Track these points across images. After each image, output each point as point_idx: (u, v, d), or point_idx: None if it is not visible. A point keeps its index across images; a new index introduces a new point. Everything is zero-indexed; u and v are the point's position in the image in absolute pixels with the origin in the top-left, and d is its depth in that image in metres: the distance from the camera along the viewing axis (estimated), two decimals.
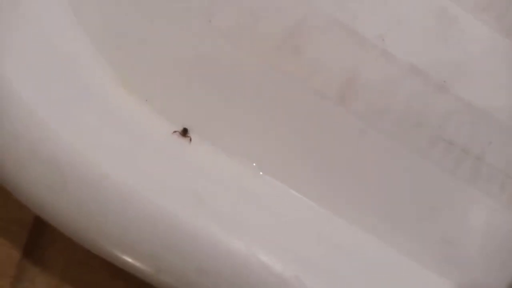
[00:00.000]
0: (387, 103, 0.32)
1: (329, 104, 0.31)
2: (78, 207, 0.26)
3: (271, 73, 0.31)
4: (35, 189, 0.26)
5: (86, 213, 0.26)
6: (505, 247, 0.32)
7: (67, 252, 0.33)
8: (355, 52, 0.31)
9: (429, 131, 0.32)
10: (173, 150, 0.30)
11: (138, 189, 0.27)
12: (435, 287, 0.31)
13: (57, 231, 0.33)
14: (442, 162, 0.32)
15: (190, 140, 0.30)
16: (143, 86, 0.30)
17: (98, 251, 0.27)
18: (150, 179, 0.28)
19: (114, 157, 0.27)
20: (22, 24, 0.28)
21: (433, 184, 0.32)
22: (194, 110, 0.31)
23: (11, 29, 0.28)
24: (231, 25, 0.31)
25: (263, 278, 0.27)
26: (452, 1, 0.33)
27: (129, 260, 0.27)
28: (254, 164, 0.31)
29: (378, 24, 0.32)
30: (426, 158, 0.32)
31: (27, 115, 0.26)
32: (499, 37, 0.32)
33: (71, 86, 0.29)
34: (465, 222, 0.32)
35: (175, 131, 0.30)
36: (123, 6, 0.31)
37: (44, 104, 0.27)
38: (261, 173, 0.31)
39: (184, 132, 0.30)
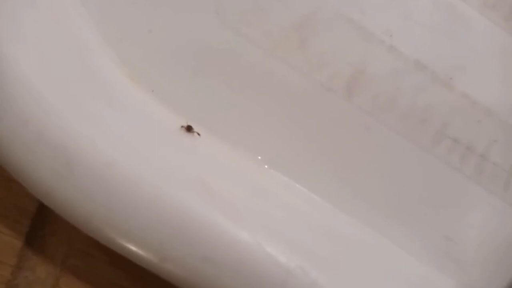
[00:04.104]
0: (393, 98, 0.32)
1: (335, 98, 0.31)
2: (83, 194, 0.26)
3: (278, 66, 0.31)
4: (40, 175, 0.26)
5: (92, 200, 0.26)
6: (507, 246, 0.32)
7: (68, 242, 0.33)
8: (362, 46, 0.32)
9: (434, 128, 0.32)
10: (179, 141, 0.30)
11: (144, 177, 0.27)
12: (434, 283, 0.31)
13: (59, 221, 0.33)
14: (446, 159, 0.32)
15: (199, 134, 0.30)
16: (149, 77, 0.30)
17: (102, 239, 0.27)
18: (156, 168, 0.27)
19: (121, 145, 0.27)
20: (32, 13, 0.28)
21: (436, 180, 0.32)
22: (200, 102, 0.31)
23: (22, 16, 0.28)
24: (238, 17, 0.31)
25: (268, 268, 0.27)
26: None
27: (134, 248, 0.27)
28: (259, 158, 0.31)
29: (385, 19, 0.32)
30: (431, 154, 0.32)
31: (36, 100, 0.26)
32: (506, 36, 0.33)
33: (79, 74, 0.29)
34: (467, 219, 0.32)
35: (182, 126, 0.30)
36: None
37: (52, 90, 0.27)
38: (266, 166, 0.31)
39: (189, 129, 0.30)
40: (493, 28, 0.33)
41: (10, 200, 0.33)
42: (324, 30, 0.31)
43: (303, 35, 0.31)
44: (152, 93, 0.30)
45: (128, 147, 0.27)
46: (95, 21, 0.30)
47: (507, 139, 0.32)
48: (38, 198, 0.28)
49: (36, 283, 0.33)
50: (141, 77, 0.30)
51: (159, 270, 0.27)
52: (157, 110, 0.30)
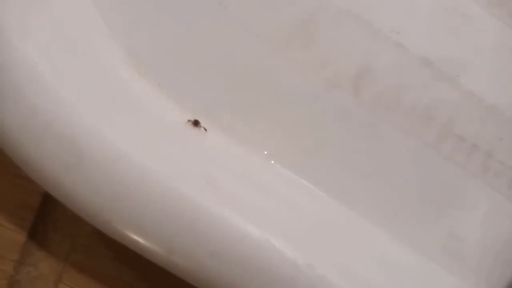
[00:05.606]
0: (399, 95, 0.32)
1: (341, 94, 0.31)
2: (92, 186, 0.26)
3: (284, 63, 0.31)
4: (49, 167, 0.26)
5: (100, 192, 0.26)
6: (511, 244, 0.33)
7: (71, 237, 0.33)
8: (369, 43, 0.32)
9: (439, 126, 0.32)
10: (186, 135, 0.30)
11: (153, 170, 0.27)
12: (438, 280, 0.32)
13: (63, 217, 0.33)
14: (452, 157, 0.32)
15: (205, 130, 0.30)
16: (156, 71, 0.30)
17: (109, 232, 0.27)
18: (164, 162, 0.27)
19: (130, 139, 0.27)
20: (42, 7, 0.28)
21: (441, 178, 0.32)
22: (207, 97, 0.31)
23: (32, 10, 0.28)
24: (244, 12, 0.31)
25: (276, 264, 0.27)
26: None
27: (142, 241, 0.27)
28: (266, 153, 0.31)
29: (392, 17, 0.32)
30: (436, 152, 0.32)
31: (44, 92, 0.26)
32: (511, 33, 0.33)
33: (87, 67, 0.29)
34: (472, 217, 0.32)
35: (189, 120, 0.30)
36: None
37: (60, 83, 0.27)
38: (272, 161, 0.31)
39: (196, 123, 0.30)
40: (499, 26, 0.33)
41: (13, 195, 0.32)
42: (331, 26, 0.32)
43: (309, 31, 0.31)
44: (159, 87, 0.30)
45: (137, 141, 0.27)
46: (103, 15, 0.30)
47: None
48: (46, 190, 0.28)
49: (38, 279, 0.32)
50: (148, 70, 0.30)
51: (166, 263, 0.27)
52: (164, 104, 0.30)
